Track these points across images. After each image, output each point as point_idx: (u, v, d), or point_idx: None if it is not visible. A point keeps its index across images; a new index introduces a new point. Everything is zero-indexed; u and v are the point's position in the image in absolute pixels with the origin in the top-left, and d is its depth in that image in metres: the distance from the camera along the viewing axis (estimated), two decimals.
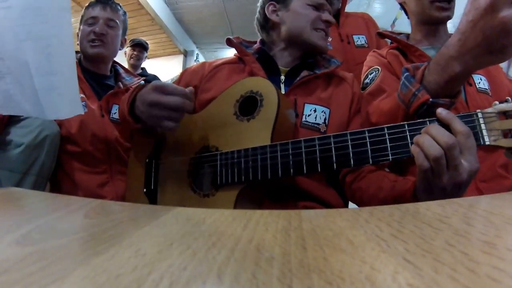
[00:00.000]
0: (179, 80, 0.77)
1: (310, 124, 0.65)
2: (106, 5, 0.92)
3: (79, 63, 0.94)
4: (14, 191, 0.45)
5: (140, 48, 2.16)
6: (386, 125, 0.45)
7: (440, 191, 0.42)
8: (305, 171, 0.49)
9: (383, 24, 3.27)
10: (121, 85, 0.96)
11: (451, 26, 0.79)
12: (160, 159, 0.68)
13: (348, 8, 1.26)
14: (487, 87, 0.69)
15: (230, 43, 0.75)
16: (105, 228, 0.23)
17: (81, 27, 0.92)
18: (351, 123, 0.68)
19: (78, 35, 0.93)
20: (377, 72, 0.73)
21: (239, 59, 0.75)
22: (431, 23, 0.73)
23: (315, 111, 0.66)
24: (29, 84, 0.53)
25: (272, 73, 0.71)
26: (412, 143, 0.43)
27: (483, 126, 0.42)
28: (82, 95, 0.86)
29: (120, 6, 0.97)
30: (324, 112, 0.66)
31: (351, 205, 0.72)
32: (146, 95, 0.57)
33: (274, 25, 0.74)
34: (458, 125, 0.41)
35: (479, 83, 0.69)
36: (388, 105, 0.59)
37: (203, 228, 0.22)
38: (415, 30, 0.77)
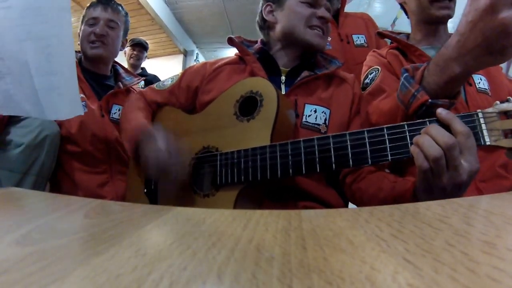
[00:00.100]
0: (180, 79, 0.76)
1: (311, 124, 0.64)
2: (107, 5, 0.91)
3: (79, 63, 0.94)
4: (14, 191, 0.45)
5: (140, 47, 2.15)
6: (386, 126, 0.45)
7: (440, 192, 0.42)
8: (304, 172, 0.49)
9: (383, 23, 3.27)
10: (121, 85, 0.96)
11: (451, 26, 0.79)
12: None
13: (348, 8, 1.26)
14: (487, 87, 0.69)
15: (231, 42, 0.75)
16: (105, 228, 0.23)
17: (82, 27, 0.92)
18: (352, 123, 0.68)
19: (79, 35, 0.93)
20: (377, 72, 0.73)
21: (240, 58, 0.75)
22: (431, 23, 0.73)
23: (315, 111, 0.65)
24: (29, 84, 0.53)
25: (273, 73, 0.71)
26: (411, 143, 0.43)
27: (483, 126, 0.42)
28: (82, 95, 0.86)
29: (122, 7, 0.97)
30: (325, 113, 0.66)
31: (351, 205, 0.72)
32: (150, 168, 0.59)
33: (271, 25, 0.74)
34: (458, 125, 0.41)
35: (479, 83, 0.69)
36: (388, 105, 0.59)
37: (203, 228, 0.22)
38: (415, 30, 0.77)
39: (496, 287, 0.12)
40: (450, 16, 0.71)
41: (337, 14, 1.18)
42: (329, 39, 0.75)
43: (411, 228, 0.20)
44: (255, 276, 0.14)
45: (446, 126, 0.42)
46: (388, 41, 0.88)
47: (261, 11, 0.76)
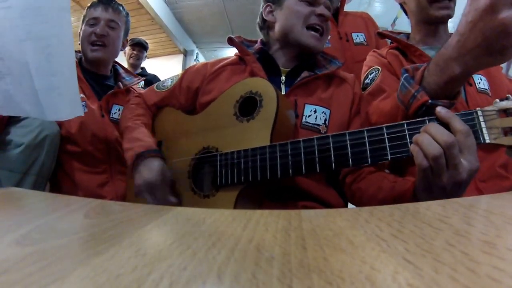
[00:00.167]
0: (181, 79, 0.76)
1: (310, 125, 0.64)
2: (108, 6, 0.91)
3: (79, 63, 0.94)
4: (14, 191, 0.45)
5: (139, 47, 2.15)
6: (385, 125, 0.45)
7: (440, 191, 0.42)
8: (304, 171, 0.49)
9: (384, 23, 3.27)
10: (121, 85, 0.96)
11: (452, 26, 0.79)
12: None
13: (349, 8, 1.26)
14: (487, 87, 0.69)
15: (231, 42, 0.75)
16: (105, 228, 0.23)
17: (83, 27, 0.92)
18: (352, 123, 0.68)
19: (79, 35, 0.93)
20: (377, 72, 0.72)
21: (240, 59, 0.75)
22: (431, 23, 0.73)
23: (315, 111, 0.65)
24: (29, 84, 0.53)
25: (272, 74, 0.70)
26: (411, 142, 0.43)
27: (483, 124, 0.42)
28: (82, 95, 0.86)
29: (123, 7, 0.97)
30: (325, 113, 0.66)
31: (351, 205, 0.72)
32: (140, 184, 0.62)
33: (271, 25, 0.74)
34: (458, 123, 0.40)
35: (479, 83, 0.69)
36: (388, 105, 0.59)
37: (203, 228, 0.22)
38: (415, 30, 0.77)
39: (497, 287, 0.12)
40: (449, 16, 0.71)
41: (337, 13, 1.18)
42: (329, 37, 0.75)
43: (411, 228, 0.20)
44: (255, 276, 0.14)
45: (446, 125, 0.42)
46: (389, 40, 0.88)
47: (262, 12, 0.76)
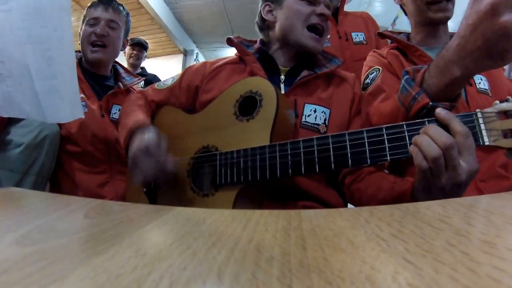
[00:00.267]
0: (181, 79, 0.76)
1: (310, 124, 0.64)
2: (108, 6, 0.91)
3: (79, 63, 0.94)
4: (14, 191, 0.45)
5: (139, 47, 2.15)
6: (385, 126, 0.45)
7: (439, 192, 0.42)
8: (303, 172, 0.49)
9: (384, 22, 3.27)
10: (121, 85, 0.96)
11: (452, 25, 0.79)
12: None
13: (349, 7, 1.26)
14: (487, 88, 0.69)
15: (230, 42, 0.75)
16: (105, 228, 0.23)
17: (83, 27, 0.92)
18: (352, 123, 0.68)
19: (79, 35, 0.93)
20: (377, 72, 0.72)
21: (240, 58, 0.75)
22: (430, 25, 0.73)
23: (315, 111, 0.65)
24: (29, 87, 0.53)
25: (272, 73, 0.70)
26: (410, 143, 0.43)
27: (482, 126, 0.42)
28: (82, 95, 0.86)
29: (123, 7, 0.97)
30: (324, 113, 0.66)
31: (351, 205, 0.72)
32: (132, 147, 0.60)
33: (270, 25, 0.74)
34: (457, 125, 0.41)
35: (480, 83, 0.69)
36: (389, 107, 0.59)
37: (203, 228, 0.22)
38: (415, 31, 0.77)
39: (497, 287, 0.12)
40: (448, 18, 0.71)
41: (337, 12, 1.18)
42: (328, 36, 0.75)
43: (412, 228, 0.20)
44: (255, 276, 0.14)
45: (445, 126, 0.42)
46: (389, 40, 0.88)
47: (260, 11, 0.75)
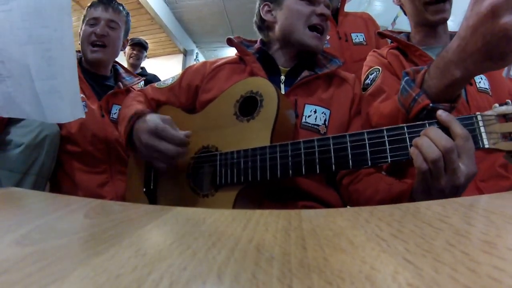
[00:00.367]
0: (181, 79, 0.76)
1: (310, 125, 0.64)
2: (108, 6, 0.91)
3: (79, 63, 0.94)
4: (14, 191, 0.45)
5: (139, 47, 2.15)
6: (385, 127, 0.45)
7: (438, 194, 0.42)
8: (303, 173, 0.49)
9: (384, 22, 3.27)
10: (121, 85, 0.96)
11: (452, 24, 0.79)
12: None
13: (349, 7, 1.26)
14: (487, 87, 0.69)
15: (230, 42, 0.75)
16: (105, 228, 0.23)
17: (83, 27, 0.92)
18: (352, 124, 0.68)
19: (79, 35, 0.93)
20: (377, 72, 0.72)
21: (240, 58, 0.75)
22: (428, 25, 0.73)
23: (315, 112, 0.65)
24: (30, 87, 0.53)
25: (272, 73, 0.70)
26: (411, 145, 0.43)
27: (482, 129, 0.42)
28: (82, 95, 0.86)
29: (123, 7, 0.97)
30: (324, 113, 0.66)
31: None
32: (143, 135, 0.59)
33: (270, 25, 0.74)
34: (458, 128, 0.41)
35: (480, 82, 0.69)
36: (388, 108, 0.59)
37: (203, 228, 0.22)
38: (415, 31, 0.77)
39: (497, 287, 0.12)
40: (445, 19, 0.71)
41: (337, 13, 1.18)
42: (328, 37, 0.75)
43: (412, 227, 0.20)
44: (255, 276, 0.14)
45: (446, 128, 0.42)
46: (389, 40, 0.88)
47: (259, 11, 0.75)
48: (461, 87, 0.47)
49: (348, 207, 0.71)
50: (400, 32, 0.81)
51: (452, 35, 0.72)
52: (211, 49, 5.19)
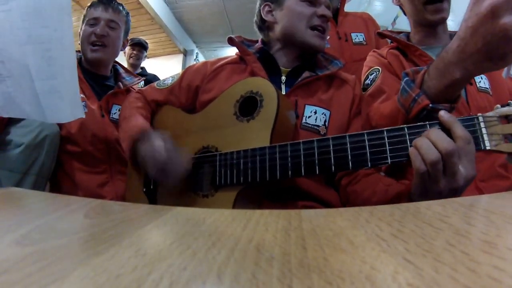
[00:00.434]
0: (181, 78, 0.76)
1: (310, 126, 0.64)
2: (108, 6, 0.91)
3: (79, 63, 0.94)
4: (14, 191, 0.45)
5: (139, 47, 2.15)
6: (386, 128, 0.45)
7: (436, 196, 0.42)
8: (303, 173, 0.49)
9: (384, 22, 3.26)
10: (121, 85, 0.96)
11: (452, 24, 0.79)
12: None
13: (349, 7, 1.26)
14: (487, 86, 0.69)
15: (231, 42, 0.75)
16: (105, 228, 0.23)
17: (83, 27, 0.92)
18: (352, 125, 0.68)
19: (79, 35, 0.93)
20: (377, 72, 0.72)
21: (241, 58, 0.75)
22: (428, 25, 0.73)
23: (315, 112, 0.65)
24: (29, 87, 0.53)
25: (273, 73, 0.70)
26: (411, 146, 0.43)
27: (484, 130, 0.42)
28: (82, 95, 0.86)
29: (123, 7, 0.96)
30: (325, 114, 0.66)
31: None
32: (149, 168, 0.59)
33: (270, 26, 0.74)
34: (459, 129, 0.40)
35: (480, 82, 0.69)
36: (388, 108, 0.59)
37: (203, 228, 0.22)
38: (414, 31, 0.77)
39: (497, 286, 0.12)
40: (444, 19, 0.71)
41: (337, 13, 1.18)
42: (328, 37, 0.75)
43: (412, 227, 0.20)
44: (255, 276, 0.14)
45: (447, 130, 0.42)
46: (389, 40, 0.88)
47: (259, 11, 0.75)
48: (461, 87, 0.47)
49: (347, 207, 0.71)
50: (400, 32, 0.81)
51: (452, 34, 0.72)
52: (211, 49, 5.19)
